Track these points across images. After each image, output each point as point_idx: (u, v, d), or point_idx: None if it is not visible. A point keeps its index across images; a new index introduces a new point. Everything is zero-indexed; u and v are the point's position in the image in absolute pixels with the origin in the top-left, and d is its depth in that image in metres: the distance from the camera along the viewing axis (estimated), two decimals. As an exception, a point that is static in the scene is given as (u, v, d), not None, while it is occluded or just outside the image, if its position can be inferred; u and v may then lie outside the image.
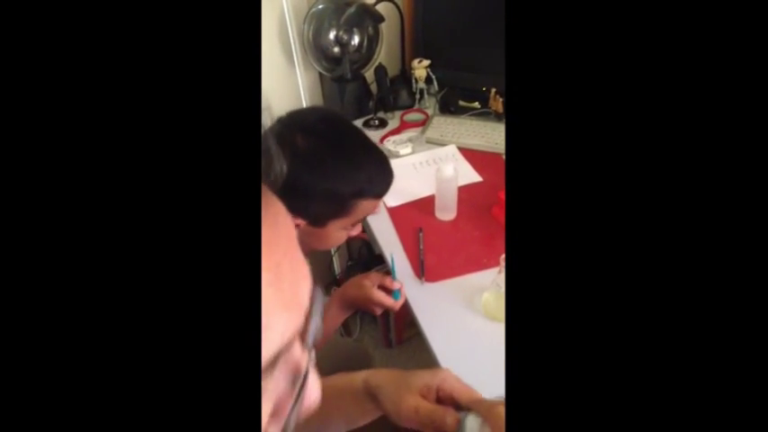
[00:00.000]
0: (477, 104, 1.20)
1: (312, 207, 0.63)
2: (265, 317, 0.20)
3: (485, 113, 1.18)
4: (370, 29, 1.13)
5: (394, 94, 1.23)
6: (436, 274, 0.79)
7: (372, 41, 1.16)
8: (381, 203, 0.87)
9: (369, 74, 1.23)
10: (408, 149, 1.08)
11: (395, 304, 0.71)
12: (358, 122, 1.19)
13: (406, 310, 0.76)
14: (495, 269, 0.73)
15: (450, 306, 0.74)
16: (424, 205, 0.93)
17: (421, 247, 0.84)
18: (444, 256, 0.82)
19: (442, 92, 1.25)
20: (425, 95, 1.25)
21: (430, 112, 1.23)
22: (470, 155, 1.06)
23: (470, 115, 1.19)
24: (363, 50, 1.16)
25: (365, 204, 0.67)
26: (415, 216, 0.91)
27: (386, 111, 1.23)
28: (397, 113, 1.23)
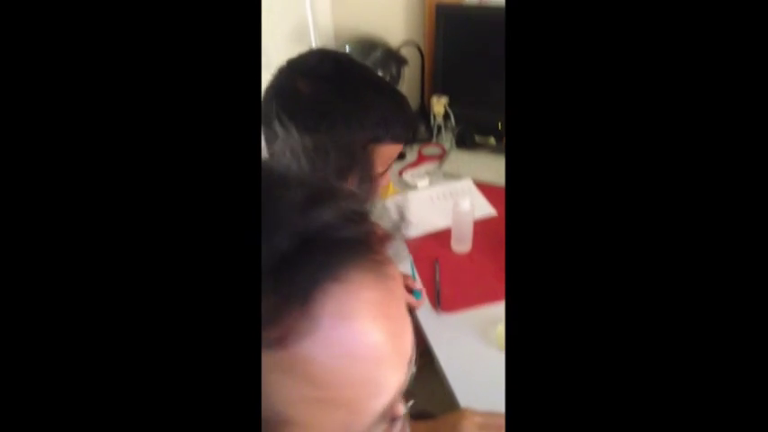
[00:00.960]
0: (492, 140, 1.25)
1: (327, 161, 0.59)
2: (384, 371, 0.21)
3: (500, 149, 1.23)
4: (393, 70, 1.19)
5: (412, 129, 1.29)
6: (452, 304, 0.82)
7: (394, 80, 1.22)
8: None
9: (389, 109, 1.29)
10: (426, 182, 1.12)
11: (417, 303, 0.72)
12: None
13: (419, 338, 0.79)
14: (510, 302, 0.75)
15: (466, 336, 0.77)
16: (441, 237, 0.96)
17: (437, 277, 0.87)
18: (460, 287, 0.85)
19: (459, 127, 1.30)
20: (443, 130, 1.30)
21: (447, 146, 1.28)
22: (486, 189, 1.10)
23: (486, 150, 1.23)
24: (385, 88, 1.23)
25: (384, 150, 0.61)
26: (431, 247, 0.94)
27: (405, 144, 1.28)
28: (416, 147, 1.28)
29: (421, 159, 1.24)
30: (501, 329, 0.75)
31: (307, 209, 0.21)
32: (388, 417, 0.23)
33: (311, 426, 0.21)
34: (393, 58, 1.16)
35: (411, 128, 0.65)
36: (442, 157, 1.23)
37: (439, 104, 1.23)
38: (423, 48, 1.27)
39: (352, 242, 0.21)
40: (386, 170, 0.65)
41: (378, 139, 0.60)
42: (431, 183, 1.13)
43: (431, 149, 1.28)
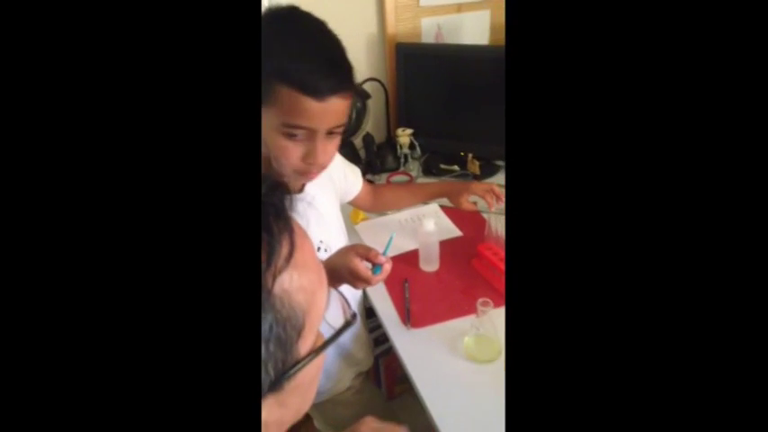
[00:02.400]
0: (456, 167, 1.32)
1: None
2: (317, 294, 0.31)
3: (463, 175, 1.30)
4: (358, 104, 1.26)
5: (380, 159, 1.35)
6: (421, 320, 0.86)
7: (360, 114, 1.29)
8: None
9: (357, 141, 1.35)
10: (394, 208, 1.17)
11: (371, 278, 0.66)
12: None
13: (397, 364, 0.81)
14: (475, 315, 0.79)
15: (435, 350, 0.80)
16: (410, 258, 1.00)
17: (407, 296, 0.90)
18: (428, 304, 0.89)
19: (424, 156, 1.37)
20: (409, 160, 1.37)
21: (414, 174, 1.35)
22: (451, 212, 1.16)
23: (450, 177, 1.30)
24: (353, 121, 1.29)
25: (286, 95, 0.59)
26: (401, 268, 0.98)
27: (374, 173, 1.34)
28: (384, 176, 1.34)
29: (389, 187, 1.30)
30: (468, 341, 0.79)
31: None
32: (318, 326, 0.32)
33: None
34: (357, 92, 1.23)
35: (332, 87, 0.59)
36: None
37: (404, 136, 1.31)
38: (386, 84, 1.35)
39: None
40: (301, 127, 0.61)
41: (280, 75, 0.57)
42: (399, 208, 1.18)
43: (399, 178, 1.34)
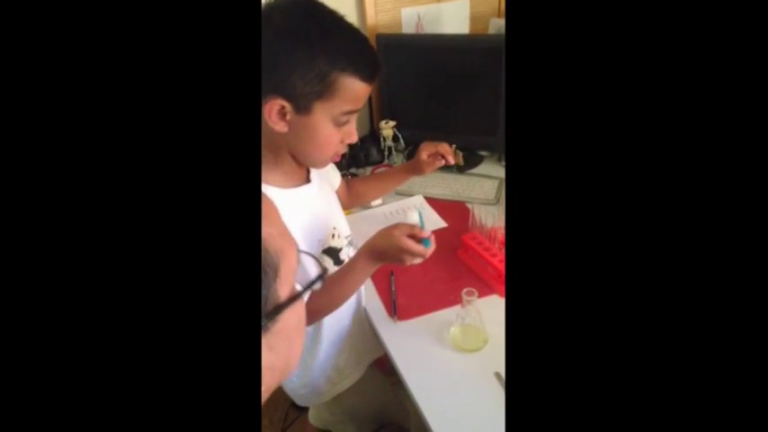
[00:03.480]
0: (447, 144, 1.32)
1: (293, 82, 0.61)
2: (286, 247, 0.35)
3: (447, 166, 1.30)
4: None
5: (364, 152, 1.35)
6: (408, 312, 0.86)
7: (342, 106, 1.29)
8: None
9: (341, 135, 1.34)
10: (379, 201, 1.17)
11: (426, 251, 0.69)
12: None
13: (385, 358, 0.82)
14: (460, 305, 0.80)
15: (421, 341, 0.81)
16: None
17: (393, 288, 0.91)
18: (415, 296, 0.90)
19: (408, 148, 1.37)
20: (393, 152, 1.36)
21: (397, 165, 1.34)
22: (436, 204, 1.16)
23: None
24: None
25: (348, 84, 0.63)
26: (386, 261, 0.98)
27: (357, 167, 1.33)
28: (369, 169, 1.34)
29: (374, 180, 1.29)
30: (454, 331, 0.80)
31: None
32: (293, 276, 0.37)
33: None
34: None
35: (374, 68, 0.64)
36: (393, 176, 1.29)
37: (387, 128, 1.30)
38: (368, 76, 1.34)
39: None
40: (353, 111, 0.66)
41: (341, 68, 0.61)
42: (384, 201, 1.18)
43: (383, 170, 1.34)
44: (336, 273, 0.75)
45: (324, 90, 0.62)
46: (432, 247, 0.70)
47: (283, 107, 0.62)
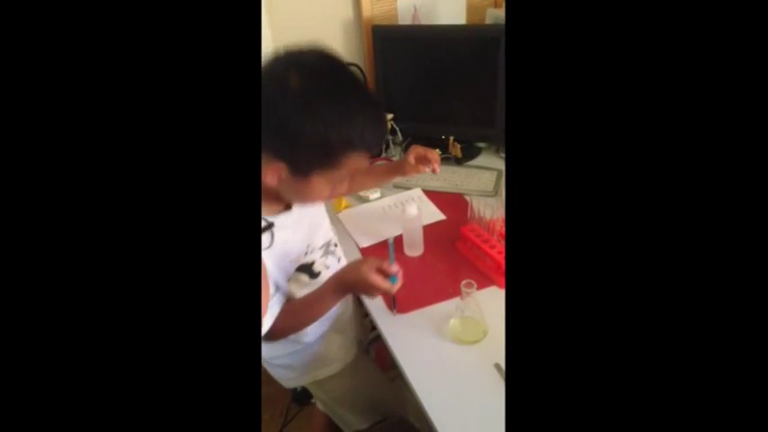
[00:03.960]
0: (438, 151, 1.31)
1: (298, 152, 0.60)
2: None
3: (445, 159, 1.29)
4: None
5: (362, 146, 1.34)
6: (407, 305, 0.86)
7: (339, 99, 1.28)
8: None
9: (338, 128, 1.34)
10: (377, 194, 1.17)
11: (392, 287, 0.71)
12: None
13: (386, 351, 0.82)
14: (460, 297, 0.80)
15: (421, 333, 0.81)
16: (394, 244, 1.00)
17: (392, 281, 0.90)
18: (414, 288, 0.89)
19: (406, 141, 1.36)
20: (391, 145, 1.35)
21: (396, 159, 1.34)
22: (434, 196, 1.16)
23: (433, 161, 1.30)
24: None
25: (354, 158, 0.63)
26: (385, 254, 0.98)
27: (355, 161, 1.33)
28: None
29: (372, 173, 1.29)
30: (453, 323, 0.79)
31: None
32: None
33: None
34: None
35: (382, 143, 0.67)
36: (391, 169, 1.28)
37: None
38: (364, 68, 1.33)
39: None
40: (344, 178, 0.66)
41: (352, 146, 0.61)
42: (382, 194, 1.17)
43: (381, 163, 1.33)
44: (305, 297, 0.76)
45: (328, 163, 0.62)
46: (398, 284, 0.72)
47: (280, 169, 0.61)
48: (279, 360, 0.90)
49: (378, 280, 0.69)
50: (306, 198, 0.69)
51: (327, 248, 0.83)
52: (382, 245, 1.01)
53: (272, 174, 0.61)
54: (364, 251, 1.00)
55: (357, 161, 0.63)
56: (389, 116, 1.29)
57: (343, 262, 0.88)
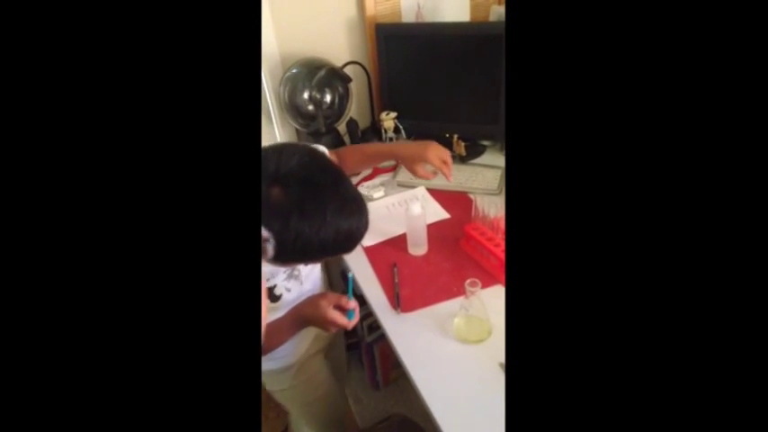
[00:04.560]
0: (449, 152, 1.31)
1: (274, 248, 0.61)
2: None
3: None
4: (340, 88, 1.24)
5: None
6: (411, 304, 0.86)
7: (343, 99, 1.27)
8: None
9: (341, 127, 1.33)
10: (381, 193, 1.17)
11: (348, 324, 0.74)
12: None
13: (390, 350, 0.82)
14: (464, 296, 0.79)
15: (425, 332, 0.80)
16: (398, 242, 1.00)
17: (396, 280, 0.90)
18: (418, 287, 0.89)
19: (411, 139, 1.36)
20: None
21: (399, 143, 1.33)
22: (438, 195, 1.15)
23: (437, 159, 1.29)
24: (336, 107, 1.27)
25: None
26: (389, 253, 0.98)
27: (359, 159, 1.33)
28: (370, 161, 1.33)
29: (376, 171, 1.29)
30: (457, 322, 0.79)
31: None
32: None
33: None
34: (337, 76, 1.21)
35: (359, 240, 0.66)
36: (395, 168, 1.28)
37: (388, 119, 1.29)
38: (368, 66, 1.33)
39: None
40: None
41: (326, 252, 0.62)
42: (386, 192, 1.17)
43: (375, 145, 1.33)
44: (266, 327, 0.77)
45: (303, 260, 0.66)
46: (355, 320, 0.76)
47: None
48: None
49: (335, 315, 0.73)
50: None
51: (291, 273, 0.84)
52: (386, 243, 1.01)
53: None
54: (368, 249, 1.00)
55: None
56: (393, 114, 1.29)
57: (306, 284, 0.88)
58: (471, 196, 1.09)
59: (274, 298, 0.81)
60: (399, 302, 0.86)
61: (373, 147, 1.12)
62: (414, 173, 0.98)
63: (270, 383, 0.98)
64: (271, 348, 0.80)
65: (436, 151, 0.89)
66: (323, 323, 0.75)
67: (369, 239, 1.02)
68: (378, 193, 1.16)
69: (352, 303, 0.74)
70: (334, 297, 0.75)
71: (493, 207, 0.92)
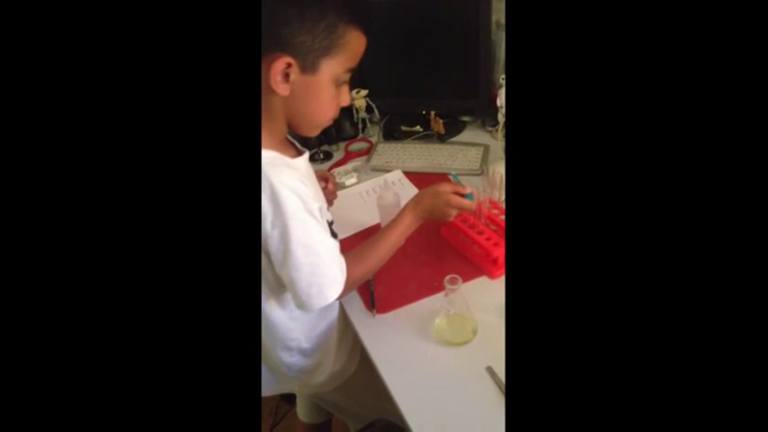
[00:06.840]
0: (419, 128, 1.21)
1: (302, 37, 0.59)
2: None
3: (427, 136, 1.19)
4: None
5: (336, 127, 1.23)
6: (388, 304, 0.77)
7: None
8: None
9: (309, 109, 1.23)
10: (353, 179, 1.07)
11: (471, 204, 0.76)
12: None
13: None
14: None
15: (404, 336, 0.72)
16: (372, 234, 0.91)
17: (370, 279, 0.81)
18: (395, 284, 0.81)
19: (384, 119, 1.26)
20: (368, 124, 1.25)
21: (374, 140, 1.24)
22: (416, 178, 1.06)
23: (414, 139, 1.20)
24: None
25: (354, 37, 0.63)
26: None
27: (330, 143, 1.23)
28: (342, 144, 1.23)
29: (348, 156, 1.19)
30: (439, 323, 0.71)
31: None
32: None
33: None
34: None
35: (371, 20, 0.66)
36: (368, 152, 1.18)
37: (359, 98, 1.19)
38: (334, 41, 1.22)
39: None
40: (352, 69, 0.66)
41: (346, 19, 0.61)
42: (359, 179, 1.08)
43: (357, 145, 1.23)
44: (381, 231, 0.77)
45: (332, 45, 0.61)
46: (475, 201, 0.77)
47: (289, 65, 0.60)
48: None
49: (459, 198, 0.74)
50: (318, 99, 0.65)
51: (330, 227, 0.75)
52: (359, 235, 0.92)
53: (281, 74, 0.60)
54: (341, 243, 0.91)
55: (357, 40, 0.63)
56: (364, 92, 1.18)
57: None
58: (451, 178, 1.00)
59: (334, 234, 0.71)
60: (374, 303, 0.77)
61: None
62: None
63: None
64: (390, 252, 0.76)
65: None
66: (445, 208, 0.74)
67: (340, 232, 0.93)
68: (350, 180, 1.07)
69: (469, 188, 0.76)
70: (449, 185, 0.76)
71: (475, 189, 0.83)
